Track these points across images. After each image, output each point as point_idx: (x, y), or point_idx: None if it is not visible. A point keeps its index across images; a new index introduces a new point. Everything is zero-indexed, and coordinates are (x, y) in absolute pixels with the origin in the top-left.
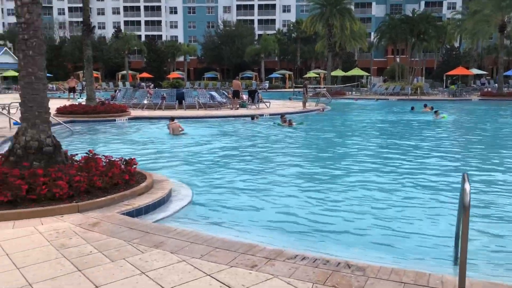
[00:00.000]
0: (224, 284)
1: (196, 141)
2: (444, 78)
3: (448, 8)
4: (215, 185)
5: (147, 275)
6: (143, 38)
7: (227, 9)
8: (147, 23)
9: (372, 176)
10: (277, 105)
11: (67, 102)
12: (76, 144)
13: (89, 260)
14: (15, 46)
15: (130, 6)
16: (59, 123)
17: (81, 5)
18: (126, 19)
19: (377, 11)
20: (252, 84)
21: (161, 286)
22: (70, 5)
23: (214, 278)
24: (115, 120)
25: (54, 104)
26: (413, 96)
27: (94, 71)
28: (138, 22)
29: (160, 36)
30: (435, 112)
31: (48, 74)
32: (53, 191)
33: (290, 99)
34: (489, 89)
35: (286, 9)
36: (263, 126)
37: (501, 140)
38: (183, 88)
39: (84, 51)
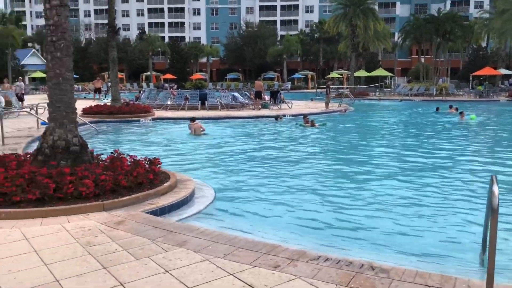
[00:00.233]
0: (247, 284)
1: (219, 142)
2: (471, 78)
3: (475, 7)
4: (238, 185)
5: (170, 274)
6: (166, 40)
7: (249, 10)
8: (170, 24)
9: (395, 177)
10: (299, 106)
11: (92, 103)
12: (101, 143)
13: (114, 258)
14: (43, 48)
15: (154, 8)
16: (85, 123)
17: (106, 7)
18: (150, 20)
19: (402, 10)
20: (274, 85)
21: (184, 284)
22: (96, 7)
23: (237, 277)
24: (139, 121)
25: (80, 105)
26: (438, 97)
27: (119, 72)
28: (162, 24)
29: (184, 38)
30: (460, 113)
31: (74, 75)
32: (80, 190)
33: (312, 99)
34: None
35: (309, 9)
36: (286, 126)
37: None
38: (206, 89)
39: (110, 52)
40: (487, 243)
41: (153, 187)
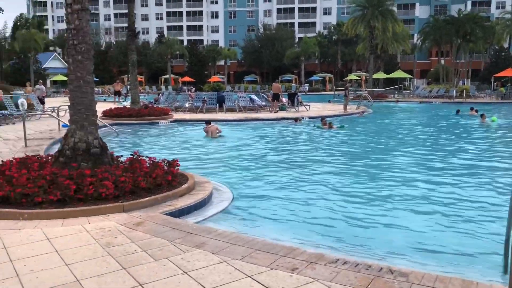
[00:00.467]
0: (264, 286)
1: (236, 144)
2: (492, 80)
3: (497, 7)
4: (255, 187)
5: (189, 275)
6: (185, 43)
7: (267, 12)
8: (189, 28)
9: (415, 180)
10: (317, 108)
11: (112, 105)
12: (121, 145)
13: (133, 258)
14: (64, 51)
15: (172, 12)
16: (105, 126)
17: (126, 11)
18: (169, 24)
19: (421, 12)
20: (292, 87)
21: (202, 286)
22: (116, 11)
23: (254, 280)
24: (158, 123)
25: (100, 107)
26: (458, 99)
27: (138, 75)
28: (181, 27)
29: (202, 41)
30: (481, 115)
31: (95, 78)
32: (100, 191)
33: (329, 101)
34: None
35: (327, 11)
36: (304, 129)
37: None
38: (224, 91)
39: (129, 55)
40: (510, 246)
41: (172, 188)
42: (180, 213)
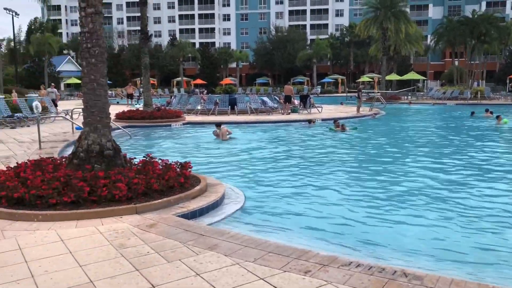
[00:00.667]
0: None
1: (248, 146)
2: (507, 81)
3: None
4: (267, 189)
5: (201, 277)
6: (197, 46)
7: (279, 15)
8: (201, 30)
9: (428, 183)
10: (329, 110)
11: (125, 108)
12: (134, 148)
13: (146, 260)
14: (78, 54)
15: (185, 15)
16: (118, 128)
17: (139, 14)
18: (181, 27)
19: (434, 13)
20: (304, 89)
21: None
22: (129, 14)
23: (267, 282)
24: (170, 125)
25: (113, 110)
26: (473, 101)
27: (150, 78)
28: (193, 30)
29: (214, 43)
30: (497, 117)
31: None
32: (113, 193)
33: (341, 103)
34: None
35: (339, 13)
36: (316, 131)
37: None
38: (235, 93)
39: (142, 58)
40: None
41: (184, 190)
42: (192, 215)
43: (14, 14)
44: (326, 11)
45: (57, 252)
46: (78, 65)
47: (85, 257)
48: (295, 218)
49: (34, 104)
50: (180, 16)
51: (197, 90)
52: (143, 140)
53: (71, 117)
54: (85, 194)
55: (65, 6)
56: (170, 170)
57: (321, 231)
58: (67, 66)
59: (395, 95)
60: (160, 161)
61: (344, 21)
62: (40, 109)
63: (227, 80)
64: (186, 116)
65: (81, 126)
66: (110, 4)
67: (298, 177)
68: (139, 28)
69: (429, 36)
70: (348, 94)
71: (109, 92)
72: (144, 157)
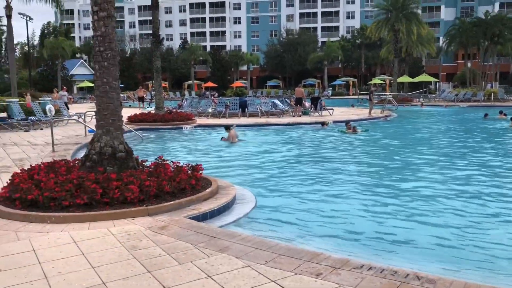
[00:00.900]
0: None
1: (259, 148)
2: None
3: None
4: (278, 192)
5: (213, 279)
6: (208, 49)
7: (290, 17)
8: (212, 34)
9: (440, 186)
10: (340, 112)
11: (137, 111)
12: (145, 150)
13: (158, 262)
14: (90, 58)
15: (196, 18)
16: (130, 131)
17: (150, 18)
18: (192, 30)
19: (447, 14)
20: (315, 92)
21: None
22: (140, 18)
23: (279, 285)
24: (181, 128)
25: (125, 113)
26: (486, 103)
27: (162, 81)
28: (204, 33)
29: (224, 46)
30: (511, 119)
31: (120, 85)
32: (125, 195)
33: (352, 106)
34: None
35: (350, 15)
36: (327, 133)
37: None
38: (246, 96)
39: (154, 62)
40: None
41: (195, 193)
42: (203, 217)
43: (28, 18)
44: (337, 13)
45: (70, 254)
46: (90, 69)
47: (97, 259)
48: (306, 221)
49: (47, 107)
50: (191, 20)
51: (208, 93)
52: (155, 142)
53: (84, 120)
54: (98, 196)
55: (78, 11)
56: (181, 173)
57: (333, 233)
58: (80, 69)
59: (407, 97)
60: (171, 163)
61: (355, 23)
62: (53, 112)
63: (238, 83)
64: (197, 118)
65: (94, 129)
66: (122, 8)
67: (309, 180)
68: (150, 31)
69: (441, 37)
70: (360, 97)
71: (121, 95)
72: (155, 159)
